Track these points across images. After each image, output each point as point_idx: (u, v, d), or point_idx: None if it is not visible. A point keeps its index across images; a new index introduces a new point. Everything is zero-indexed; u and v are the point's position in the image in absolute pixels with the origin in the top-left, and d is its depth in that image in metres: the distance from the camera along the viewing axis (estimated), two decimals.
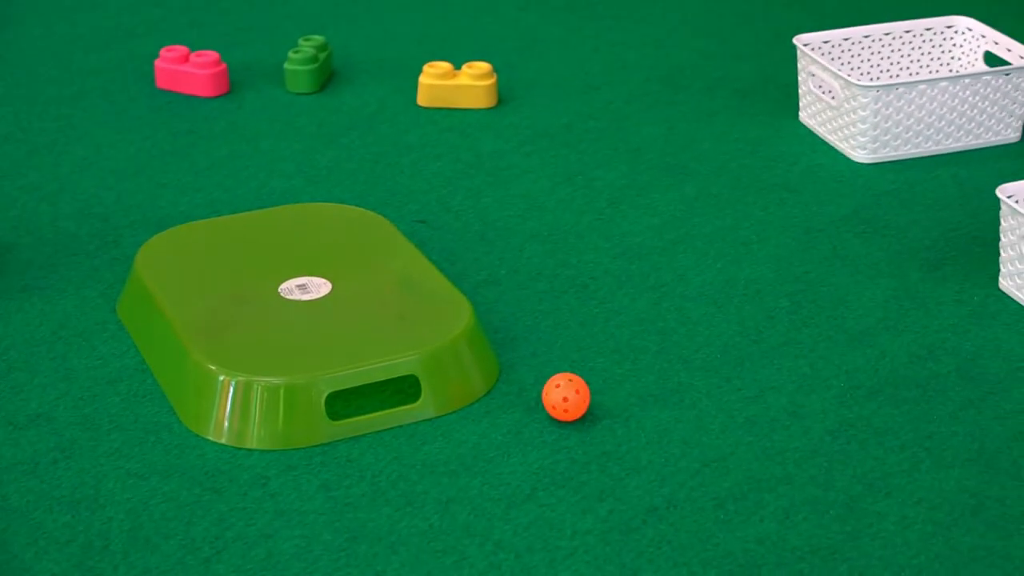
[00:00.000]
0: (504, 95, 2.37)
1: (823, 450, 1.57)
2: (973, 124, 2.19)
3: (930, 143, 2.17)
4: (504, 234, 1.99)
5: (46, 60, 2.52)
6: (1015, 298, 1.84)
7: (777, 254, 1.96)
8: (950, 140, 2.19)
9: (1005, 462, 1.55)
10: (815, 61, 2.22)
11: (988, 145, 2.22)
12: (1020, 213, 1.80)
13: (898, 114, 2.14)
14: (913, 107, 2.15)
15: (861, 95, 2.13)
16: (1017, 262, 1.83)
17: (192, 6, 2.72)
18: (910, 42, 2.34)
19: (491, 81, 2.32)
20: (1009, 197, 1.81)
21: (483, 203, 2.07)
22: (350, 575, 1.36)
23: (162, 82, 2.39)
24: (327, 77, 2.41)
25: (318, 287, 1.73)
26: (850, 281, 1.89)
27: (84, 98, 2.37)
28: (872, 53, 2.32)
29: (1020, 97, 2.18)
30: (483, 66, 2.33)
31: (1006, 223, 1.83)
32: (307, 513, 1.45)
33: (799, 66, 2.27)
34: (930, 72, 2.32)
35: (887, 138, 2.16)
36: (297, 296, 1.71)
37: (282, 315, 1.68)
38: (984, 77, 2.17)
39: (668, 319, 1.81)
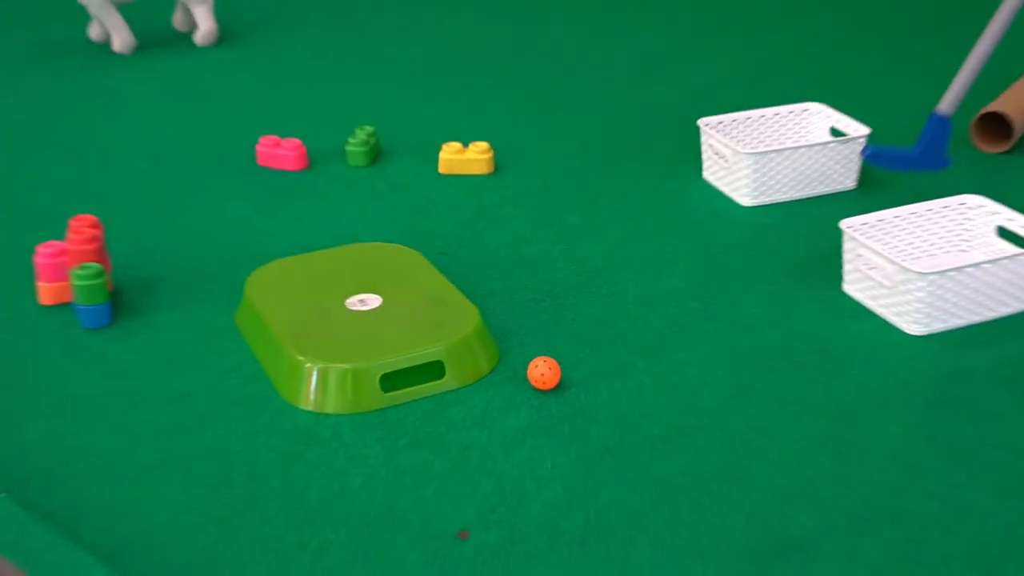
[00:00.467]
0: (499, 164, 2.36)
1: (725, 406, 1.57)
2: (824, 177, 2.19)
3: (793, 191, 2.17)
4: (500, 261, 1.99)
5: (181, 144, 2.52)
6: (854, 298, 1.84)
7: (690, 271, 1.95)
8: (807, 188, 2.19)
9: (850, 412, 1.56)
10: (712, 136, 2.23)
11: (834, 192, 2.21)
12: (854, 239, 1.80)
13: (771, 171, 2.14)
14: (781, 166, 2.14)
15: (745, 159, 2.13)
16: (854, 272, 1.83)
17: (279, 106, 2.72)
18: (778, 122, 2.34)
19: (489, 155, 2.32)
20: (848, 227, 1.82)
21: (485, 240, 2.07)
22: (400, 499, 1.37)
23: (262, 161, 2.38)
24: (375, 155, 2.40)
25: (373, 301, 1.72)
26: (741, 289, 1.89)
27: (208, 171, 2.38)
28: (753, 129, 2.32)
29: (855, 157, 2.18)
30: (483, 145, 2.32)
31: (846, 245, 1.83)
32: (368, 457, 1.46)
33: (702, 140, 2.27)
34: (793, 142, 2.31)
35: (764, 188, 2.16)
36: (358, 307, 1.71)
37: (348, 321, 1.68)
38: (830, 144, 2.17)
39: (616, 318, 1.81)
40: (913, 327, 1.74)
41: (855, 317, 1.80)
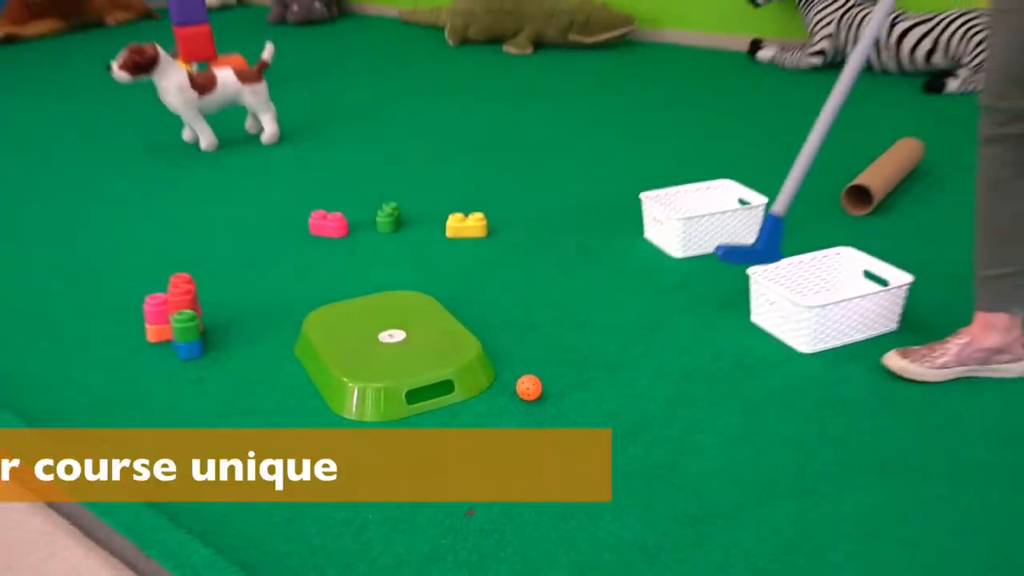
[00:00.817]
0: (492, 229, 2.36)
1: (666, 409, 1.58)
2: (734, 235, 2.20)
3: (712, 246, 2.17)
4: (494, 302, 1.99)
5: (252, 218, 2.52)
6: (760, 326, 1.85)
7: (638, 306, 1.96)
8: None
9: (760, 412, 1.57)
10: (651, 205, 2.24)
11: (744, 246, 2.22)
12: (759, 282, 1.82)
13: (697, 232, 2.15)
14: (703, 227, 2.16)
15: (676, 222, 2.14)
16: (759, 307, 1.85)
17: (325, 187, 2.73)
18: (700, 194, 2.35)
19: (484, 222, 2.32)
20: (754, 273, 1.83)
21: (483, 287, 2.07)
22: (426, 481, 1.36)
23: (313, 230, 2.38)
24: (398, 224, 2.40)
25: (399, 335, 1.73)
26: (678, 319, 1.90)
27: (273, 238, 2.38)
28: (681, 200, 2.33)
29: (759, 220, 2.19)
30: (479, 215, 2.33)
31: (753, 287, 1.84)
32: (400, 451, 1.46)
33: (643, 208, 2.28)
34: (709, 209, 2.31)
35: (691, 243, 2.16)
36: (388, 340, 1.71)
37: (380, 350, 1.68)
38: (738, 211, 2.19)
39: (583, 344, 1.81)
40: (804, 347, 1.75)
41: (761, 340, 1.81)
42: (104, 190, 2.80)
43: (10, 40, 5.26)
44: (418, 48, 4.79)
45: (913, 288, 1.79)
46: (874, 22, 1.79)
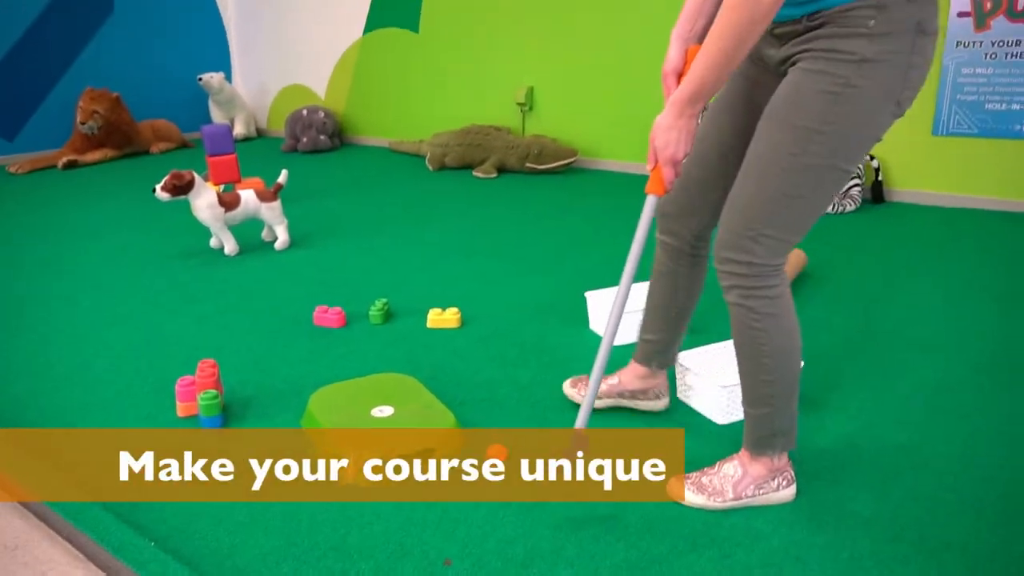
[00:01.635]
0: (465, 320, 2.37)
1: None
2: None
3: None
4: (466, 382, 1.98)
5: (267, 311, 2.50)
6: (687, 403, 1.86)
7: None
8: None
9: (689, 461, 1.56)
10: (592, 301, 2.26)
11: None
12: (683, 366, 1.82)
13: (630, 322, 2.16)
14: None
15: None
16: (682, 388, 1.85)
17: (327, 285, 2.72)
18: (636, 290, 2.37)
19: (458, 315, 2.33)
20: (682, 357, 1.85)
21: (456, 369, 2.06)
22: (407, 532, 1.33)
23: (316, 322, 2.37)
24: (388, 316, 2.40)
25: (388, 411, 1.71)
26: None
27: (283, 329, 2.35)
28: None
29: None
30: (454, 309, 2.34)
31: (678, 371, 1.85)
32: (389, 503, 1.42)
33: (588, 304, 2.29)
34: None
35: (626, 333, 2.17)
36: (379, 415, 1.70)
37: (373, 423, 1.67)
38: None
39: (538, 415, 1.80)
40: (719, 418, 1.76)
41: (688, 414, 1.82)
42: (144, 287, 2.78)
43: (72, 165, 5.26)
44: (403, 172, 4.87)
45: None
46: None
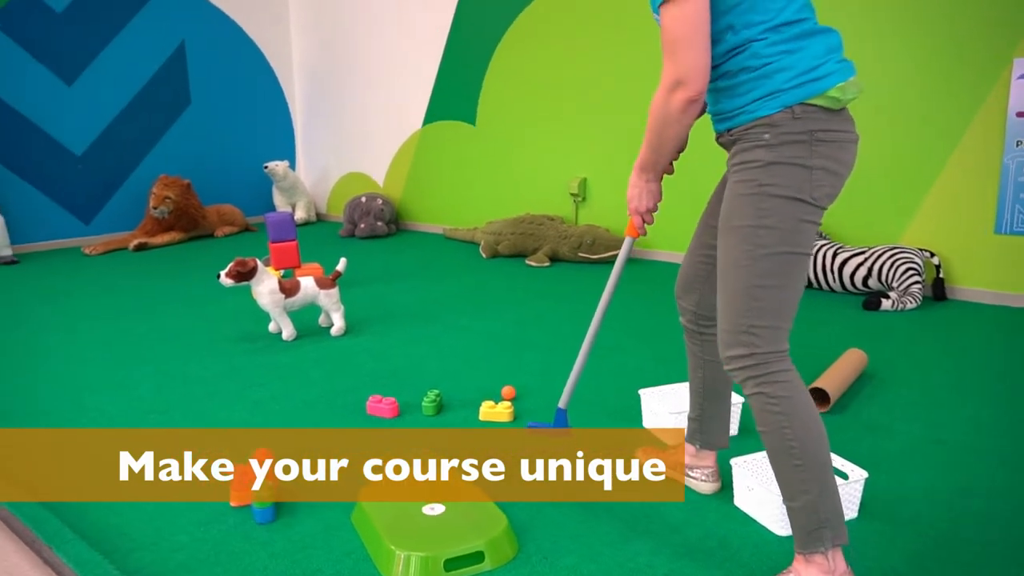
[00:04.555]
0: (518, 414, 2.35)
1: None
2: None
3: None
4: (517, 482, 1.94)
5: (322, 400, 2.51)
6: (740, 507, 1.80)
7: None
8: None
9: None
10: (648, 402, 2.23)
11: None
12: (739, 472, 1.77)
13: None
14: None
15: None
16: (740, 493, 1.80)
17: (381, 373, 2.75)
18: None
19: (511, 409, 2.32)
20: (735, 464, 1.79)
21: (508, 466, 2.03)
22: None
23: (370, 411, 2.38)
24: (440, 408, 2.40)
25: (439, 508, 1.69)
26: (668, 509, 1.85)
27: (331, 420, 2.36)
28: (677, 395, 2.30)
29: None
30: (507, 404, 2.33)
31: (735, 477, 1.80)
32: None
33: (643, 402, 2.26)
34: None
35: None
36: (430, 513, 1.68)
37: (424, 522, 1.65)
38: None
39: (587, 516, 1.76)
40: (777, 529, 1.69)
41: (745, 522, 1.75)
42: (201, 372, 2.84)
43: (142, 248, 5.50)
44: (457, 260, 4.95)
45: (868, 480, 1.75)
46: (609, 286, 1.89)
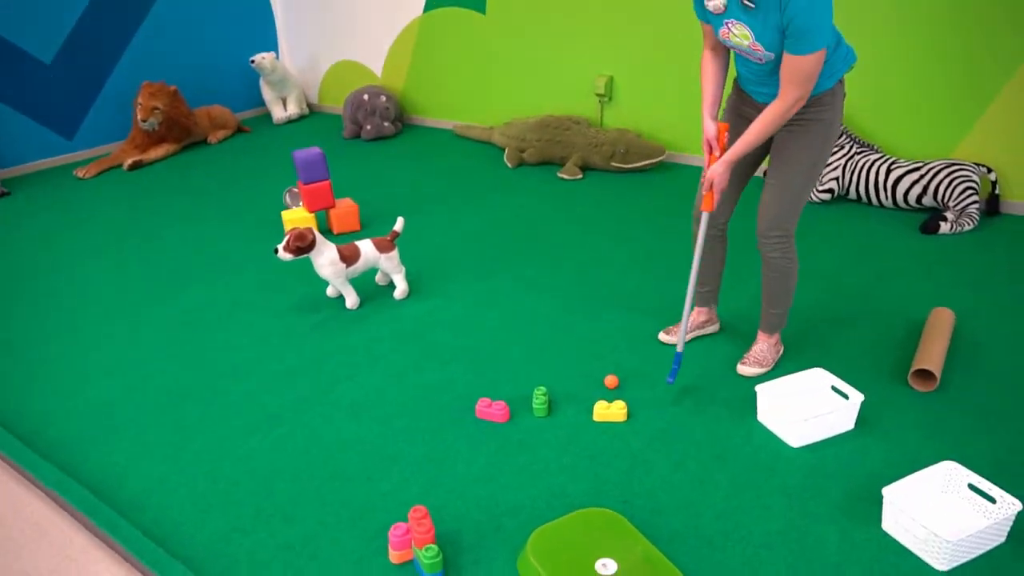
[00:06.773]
0: (631, 413, 2.33)
1: None
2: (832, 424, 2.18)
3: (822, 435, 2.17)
4: (664, 508, 1.93)
5: (416, 399, 2.44)
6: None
7: (776, 512, 1.95)
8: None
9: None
10: (764, 397, 2.23)
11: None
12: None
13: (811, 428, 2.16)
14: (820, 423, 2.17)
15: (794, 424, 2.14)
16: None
17: (463, 364, 2.67)
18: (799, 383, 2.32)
19: (625, 409, 2.30)
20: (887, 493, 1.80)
21: (646, 487, 2.01)
22: None
23: (480, 415, 2.34)
24: (549, 409, 2.36)
25: (612, 566, 1.69)
26: (820, 528, 1.86)
27: (446, 429, 2.30)
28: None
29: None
30: (621, 403, 2.31)
31: (885, 503, 1.84)
32: None
33: (758, 399, 2.25)
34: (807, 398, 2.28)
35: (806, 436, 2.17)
36: (603, 572, 1.68)
37: None
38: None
39: (751, 557, 1.78)
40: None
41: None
42: (276, 361, 2.72)
43: (137, 166, 5.16)
44: (484, 171, 4.68)
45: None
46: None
